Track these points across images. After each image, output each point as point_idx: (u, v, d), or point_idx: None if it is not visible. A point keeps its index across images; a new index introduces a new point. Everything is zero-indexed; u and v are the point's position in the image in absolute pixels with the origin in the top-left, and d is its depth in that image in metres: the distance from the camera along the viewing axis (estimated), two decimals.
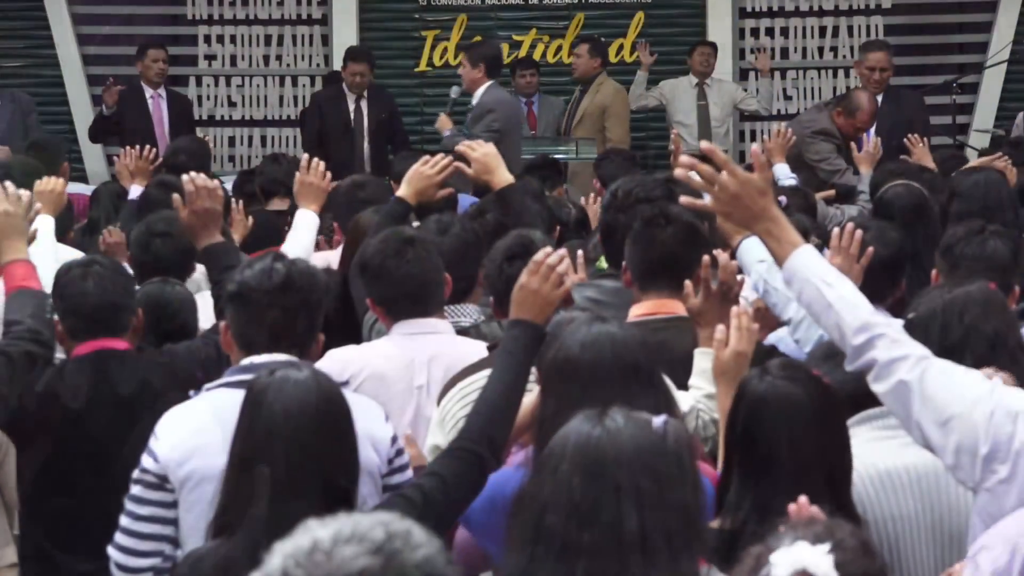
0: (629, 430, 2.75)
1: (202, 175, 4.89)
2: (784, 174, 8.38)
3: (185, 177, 4.87)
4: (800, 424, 3.34)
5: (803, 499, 3.03)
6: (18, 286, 4.31)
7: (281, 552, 1.87)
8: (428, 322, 4.63)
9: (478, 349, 4.57)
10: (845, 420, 3.53)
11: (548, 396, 3.48)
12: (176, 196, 4.83)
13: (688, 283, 4.29)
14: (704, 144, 3.65)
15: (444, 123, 10.19)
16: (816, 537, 2.24)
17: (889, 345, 3.37)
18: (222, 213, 4.87)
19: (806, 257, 3.48)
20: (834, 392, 3.48)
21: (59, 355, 4.68)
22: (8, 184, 4.46)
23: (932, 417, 3.31)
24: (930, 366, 3.35)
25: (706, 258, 4.32)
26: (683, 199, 3.60)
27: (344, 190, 6.60)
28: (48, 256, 5.24)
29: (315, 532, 1.88)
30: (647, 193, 4.96)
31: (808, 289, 3.46)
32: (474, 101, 10.17)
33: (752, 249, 4.60)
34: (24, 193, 4.46)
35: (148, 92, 11.79)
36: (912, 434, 3.38)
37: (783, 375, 3.43)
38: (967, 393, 3.32)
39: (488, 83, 10.17)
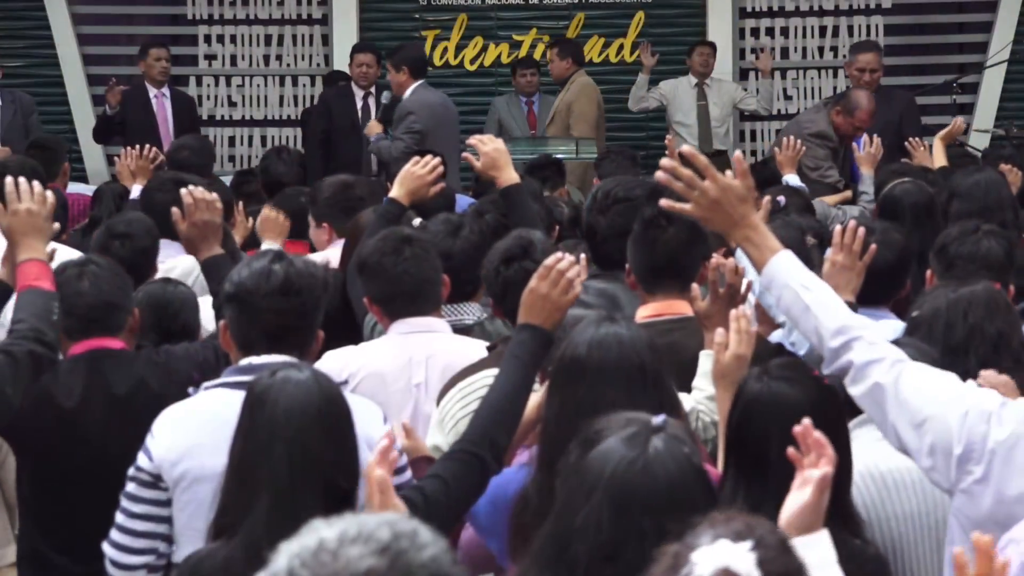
0: (666, 462, 2.74)
1: (200, 188, 4.89)
2: (795, 184, 8.38)
3: (183, 190, 4.87)
4: (792, 425, 3.33)
5: (807, 421, 3.04)
6: (29, 285, 4.29)
7: (287, 552, 1.87)
8: (425, 321, 4.64)
9: (476, 347, 4.58)
10: (845, 422, 3.52)
11: (553, 395, 3.48)
12: (175, 209, 4.84)
13: (695, 286, 4.29)
14: (685, 148, 3.64)
15: (373, 128, 10.36)
16: (737, 535, 2.23)
17: (865, 348, 3.38)
18: (221, 225, 4.87)
19: (785, 262, 3.49)
20: (834, 393, 3.47)
21: None
22: (35, 183, 4.45)
23: (907, 419, 3.32)
24: (905, 369, 3.36)
25: (712, 261, 4.32)
26: (664, 202, 3.59)
27: (334, 190, 6.56)
28: None
29: (321, 532, 1.88)
30: (626, 193, 4.96)
31: (786, 293, 3.47)
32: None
33: None
34: (50, 193, 4.46)
35: (152, 92, 11.76)
36: (888, 437, 3.39)
37: (781, 376, 3.43)
38: (941, 395, 3.33)
39: (415, 84, 10.31)
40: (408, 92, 10.28)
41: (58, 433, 4.49)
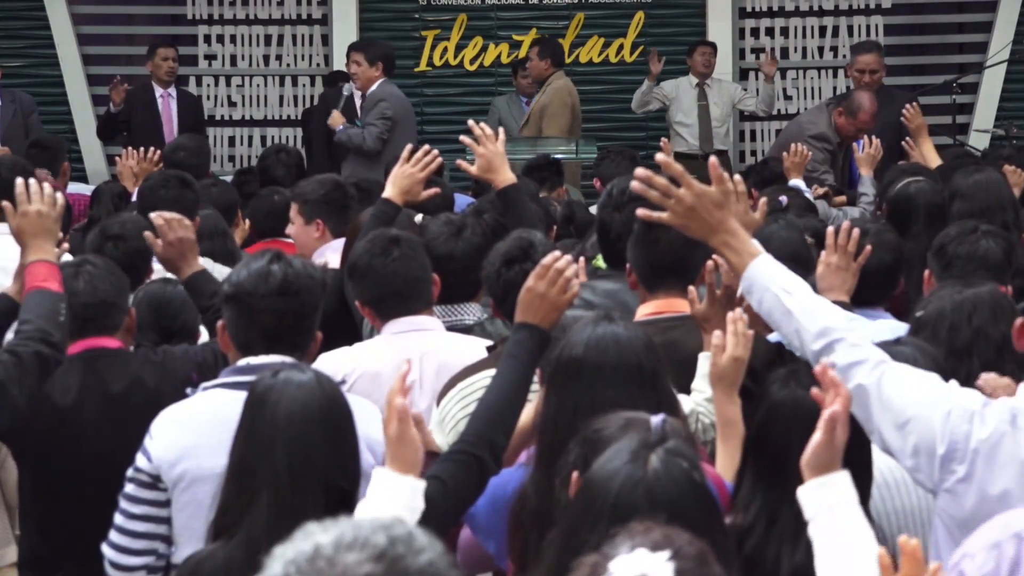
0: (666, 485, 2.71)
1: (166, 212, 4.92)
2: (801, 189, 8.41)
3: (153, 215, 4.88)
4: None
5: (825, 360, 3.05)
6: (37, 286, 4.28)
7: (282, 557, 1.85)
8: (417, 320, 4.64)
9: (470, 345, 4.58)
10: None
11: (551, 394, 3.47)
12: (148, 233, 4.85)
13: (692, 289, 4.30)
14: (660, 156, 3.65)
15: (337, 119, 10.64)
16: (655, 544, 2.23)
17: (848, 350, 3.37)
18: (195, 240, 4.89)
19: (764, 266, 3.49)
20: None
21: None
22: (46, 185, 4.46)
23: (890, 420, 3.32)
24: (887, 370, 3.36)
25: (709, 263, 4.32)
26: (640, 212, 3.58)
27: (328, 188, 6.53)
28: None
29: (316, 537, 1.86)
30: (620, 194, 4.96)
31: (767, 297, 3.46)
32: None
33: None
34: (60, 195, 4.48)
35: (158, 91, 11.75)
36: (872, 438, 3.38)
37: (807, 383, 3.41)
38: (924, 395, 3.33)
39: (382, 79, 10.64)
40: (375, 86, 10.56)
41: (54, 432, 4.48)
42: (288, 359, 3.72)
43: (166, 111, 11.72)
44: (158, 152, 8.25)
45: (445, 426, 4.23)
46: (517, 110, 12.14)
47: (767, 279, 3.47)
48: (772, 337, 4.80)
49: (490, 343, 4.52)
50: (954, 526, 3.23)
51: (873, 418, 3.34)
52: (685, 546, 2.26)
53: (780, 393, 3.42)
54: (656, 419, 2.85)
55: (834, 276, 4.70)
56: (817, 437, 3.00)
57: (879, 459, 3.65)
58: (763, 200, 5.01)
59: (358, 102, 10.90)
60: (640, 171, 3.53)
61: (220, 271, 5.26)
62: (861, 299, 4.87)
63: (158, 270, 5.75)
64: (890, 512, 3.68)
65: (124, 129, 11.57)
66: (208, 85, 13.52)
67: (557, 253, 3.75)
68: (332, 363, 4.55)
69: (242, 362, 3.81)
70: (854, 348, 3.38)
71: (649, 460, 2.73)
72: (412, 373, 4.55)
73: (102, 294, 4.57)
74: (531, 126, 11.62)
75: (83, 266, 4.64)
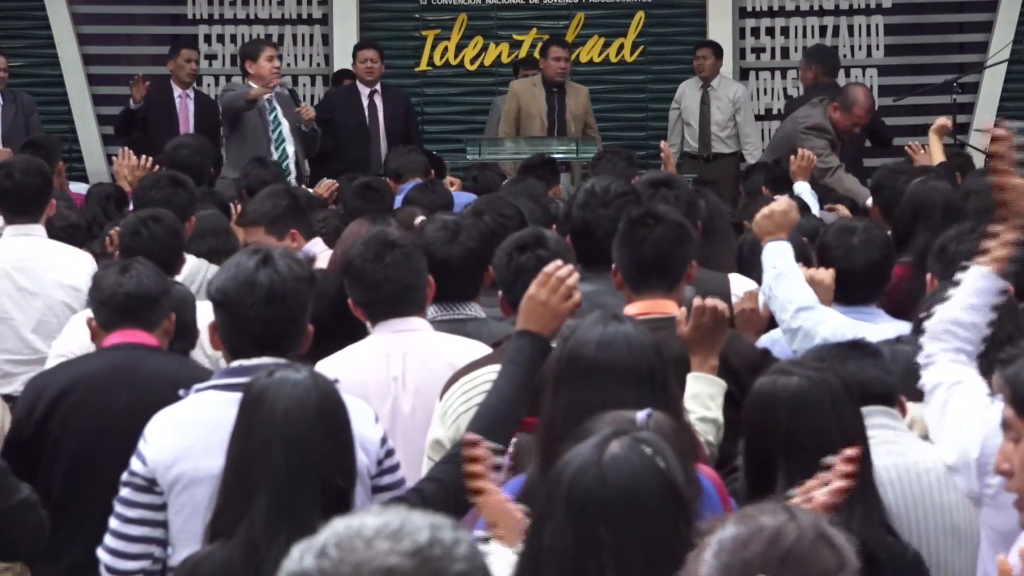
0: (620, 468, 2.62)
1: None
2: (805, 191, 8.42)
3: None
4: (804, 414, 3.37)
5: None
6: None
7: (329, 528, 1.87)
8: (407, 321, 4.63)
9: (457, 344, 4.56)
10: (859, 414, 3.54)
11: (560, 392, 3.40)
12: None
13: (683, 310, 4.29)
14: (1001, 124, 3.95)
15: (312, 112, 10.55)
16: None
17: (932, 372, 3.57)
18: None
19: (973, 273, 3.71)
20: (847, 386, 3.53)
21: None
22: None
23: (946, 438, 3.49)
24: (954, 395, 3.50)
25: (708, 301, 4.30)
26: (1000, 136, 3.92)
27: (282, 199, 6.55)
28: None
29: (367, 519, 1.87)
30: (622, 188, 4.97)
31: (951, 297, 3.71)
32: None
33: (769, 255, 4.73)
34: None
35: (176, 91, 11.72)
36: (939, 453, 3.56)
37: (811, 367, 3.48)
38: (972, 412, 3.44)
39: None
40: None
41: (84, 421, 4.53)
42: (280, 360, 3.71)
43: (183, 111, 11.70)
44: (151, 159, 8.23)
45: (447, 420, 4.23)
46: None
47: (963, 288, 3.71)
48: (763, 342, 4.83)
49: (484, 343, 4.53)
50: (997, 538, 3.27)
51: (939, 436, 3.54)
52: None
53: (767, 380, 3.50)
54: (641, 414, 2.83)
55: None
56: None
57: (883, 456, 3.67)
58: (785, 200, 5.09)
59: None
60: (1000, 129, 3.92)
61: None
62: (853, 298, 4.91)
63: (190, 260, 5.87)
64: (897, 508, 3.69)
65: (140, 126, 11.56)
66: (208, 85, 13.50)
67: (559, 262, 3.74)
68: (326, 366, 4.54)
69: (235, 364, 3.80)
70: (938, 371, 3.60)
71: (609, 446, 2.64)
72: (394, 370, 4.57)
73: (147, 288, 4.62)
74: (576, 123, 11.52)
75: (131, 264, 4.71)
